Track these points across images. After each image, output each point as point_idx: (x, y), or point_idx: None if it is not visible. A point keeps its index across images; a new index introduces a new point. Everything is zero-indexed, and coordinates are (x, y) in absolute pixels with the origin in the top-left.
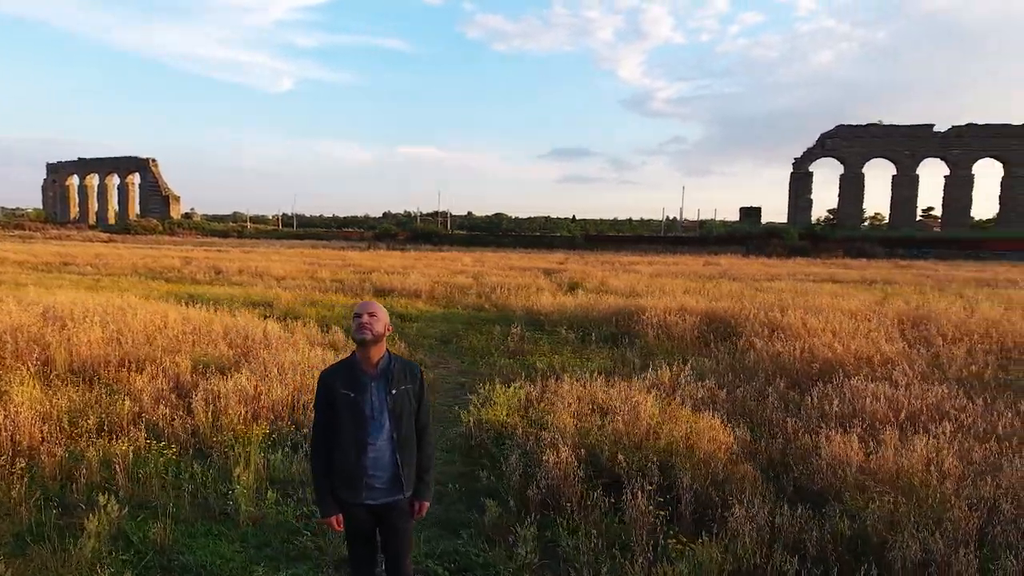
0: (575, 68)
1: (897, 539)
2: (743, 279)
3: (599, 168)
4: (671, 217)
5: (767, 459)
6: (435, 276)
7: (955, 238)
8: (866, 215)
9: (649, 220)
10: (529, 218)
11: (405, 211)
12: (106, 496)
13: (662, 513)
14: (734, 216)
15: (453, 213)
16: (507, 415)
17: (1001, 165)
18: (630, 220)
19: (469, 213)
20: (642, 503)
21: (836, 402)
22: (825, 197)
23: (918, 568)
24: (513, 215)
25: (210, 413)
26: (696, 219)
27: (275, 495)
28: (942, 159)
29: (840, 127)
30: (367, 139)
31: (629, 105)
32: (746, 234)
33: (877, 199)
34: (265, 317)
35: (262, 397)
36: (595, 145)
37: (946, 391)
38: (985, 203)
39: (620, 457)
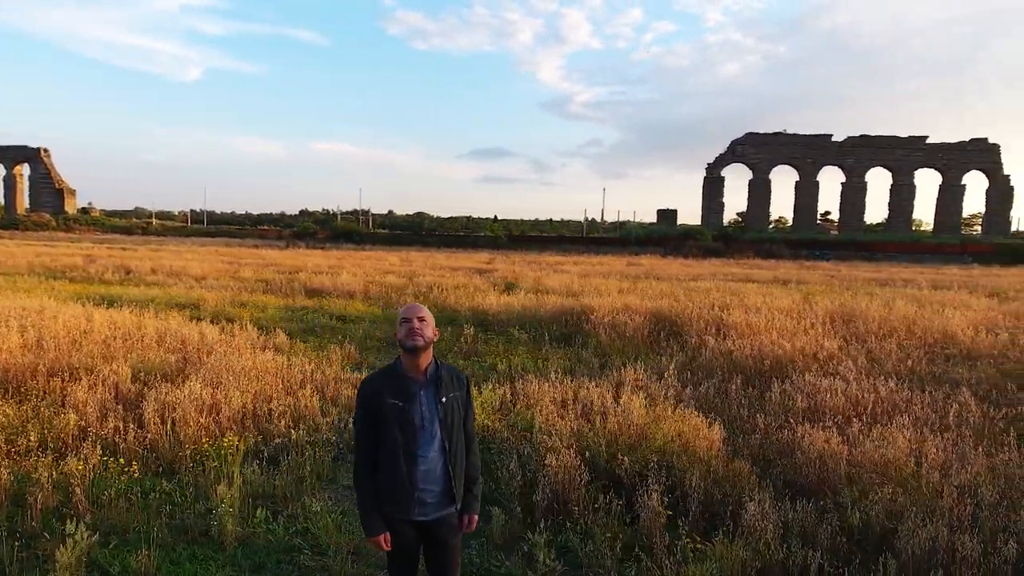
0: (495, 69)
1: (902, 528)
2: (667, 279)
3: (519, 169)
4: (590, 218)
5: (749, 455)
6: (365, 276)
7: (851, 240)
8: (772, 218)
9: (569, 221)
10: (451, 217)
11: (324, 209)
12: (73, 522)
13: (669, 513)
14: (651, 218)
15: (374, 212)
16: (486, 418)
17: (890, 174)
18: (551, 220)
19: (390, 212)
20: (656, 504)
21: (800, 398)
22: (734, 201)
23: (926, 555)
24: (435, 214)
25: (169, 426)
26: (616, 220)
27: (264, 512)
28: (839, 167)
29: (749, 135)
30: (281, 134)
31: (548, 108)
32: (663, 235)
33: (782, 203)
34: (195, 320)
35: (222, 407)
36: (515, 146)
37: (893, 385)
38: (877, 208)
39: (623, 458)
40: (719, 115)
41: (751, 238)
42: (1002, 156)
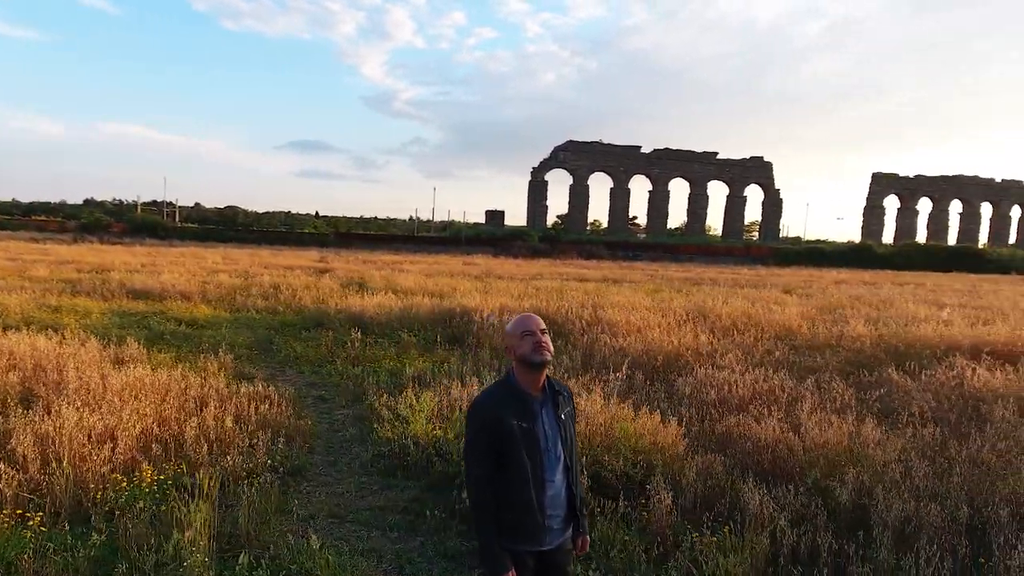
0: (315, 59)
1: (877, 503)
2: (509, 278)
3: (341, 164)
4: (418, 217)
5: (698, 446)
6: (191, 275)
7: (658, 243)
8: (588, 221)
9: (396, 219)
10: (268, 212)
11: (116, 199)
12: None
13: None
14: (478, 218)
15: (179, 203)
16: (432, 426)
17: (688, 184)
18: (376, 219)
19: (197, 204)
20: (668, 501)
21: (712, 391)
22: (555, 203)
23: (900, 524)
24: (249, 208)
25: (66, 462)
26: (444, 220)
27: (247, 558)
28: (647, 176)
29: (570, 142)
30: (60, 111)
31: (372, 103)
32: (492, 236)
33: (596, 207)
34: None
35: (118, 435)
36: (337, 141)
37: (785, 375)
38: (678, 214)
39: (609, 459)
40: (540, 120)
41: (573, 239)
42: (774, 173)
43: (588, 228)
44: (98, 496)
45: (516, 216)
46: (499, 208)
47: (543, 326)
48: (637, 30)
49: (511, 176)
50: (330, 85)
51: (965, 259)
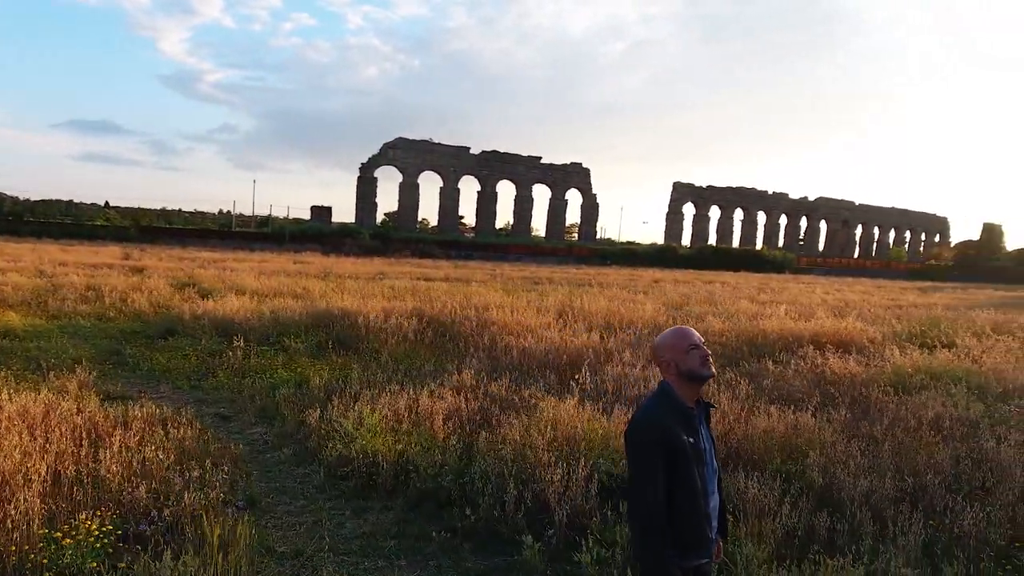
0: (102, 28)
1: (847, 482)
2: (353, 277)
3: (134, 149)
4: (231, 211)
5: None
6: None
7: (488, 243)
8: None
9: (204, 212)
10: (44, 200)
11: None
12: None
13: None
14: (301, 213)
15: None
16: (394, 440)
17: (515, 186)
18: (182, 211)
19: None
20: None
21: (636, 387)
22: (382, 201)
23: (864, 498)
24: (17, 195)
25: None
26: (265, 215)
27: None
28: (476, 177)
29: (400, 139)
30: None
31: (172, 83)
32: (319, 232)
33: (424, 206)
34: None
35: (15, 481)
36: (128, 122)
37: None
38: (504, 215)
39: (608, 462)
40: (363, 115)
41: (405, 238)
42: (591, 178)
43: (417, 227)
44: (27, 566)
45: (342, 213)
46: (325, 204)
47: (702, 339)
48: (458, 33)
49: (333, 171)
50: (120, 59)
51: (749, 260)
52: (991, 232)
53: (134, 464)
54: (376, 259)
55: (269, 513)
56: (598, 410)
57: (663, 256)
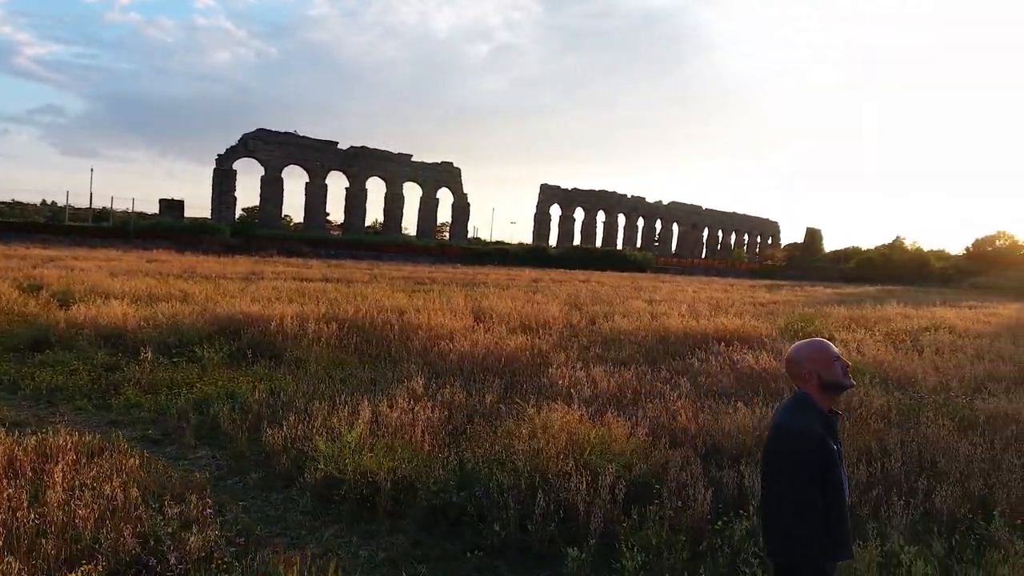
0: None
1: None
2: (224, 277)
3: None
4: (54, 202)
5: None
6: None
7: (359, 241)
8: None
9: (24, 203)
10: None
11: None
12: None
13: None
14: (144, 206)
15: None
16: (387, 458)
17: (385, 183)
18: None
19: None
20: (704, 501)
21: (588, 388)
22: (241, 196)
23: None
24: None
25: None
26: (101, 208)
27: None
28: (344, 173)
29: (261, 131)
30: None
31: None
32: (171, 228)
33: (289, 201)
34: None
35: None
36: None
37: (635, 370)
38: (372, 212)
39: (613, 467)
40: (216, 102)
41: (269, 235)
42: (462, 178)
43: (281, 224)
44: None
45: (196, 208)
46: (176, 197)
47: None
48: (320, 23)
49: (181, 162)
50: None
51: (614, 259)
52: (813, 236)
53: (100, 505)
54: (240, 258)
55: (267, 547)
56: (587, 415)
57: (534, 256)
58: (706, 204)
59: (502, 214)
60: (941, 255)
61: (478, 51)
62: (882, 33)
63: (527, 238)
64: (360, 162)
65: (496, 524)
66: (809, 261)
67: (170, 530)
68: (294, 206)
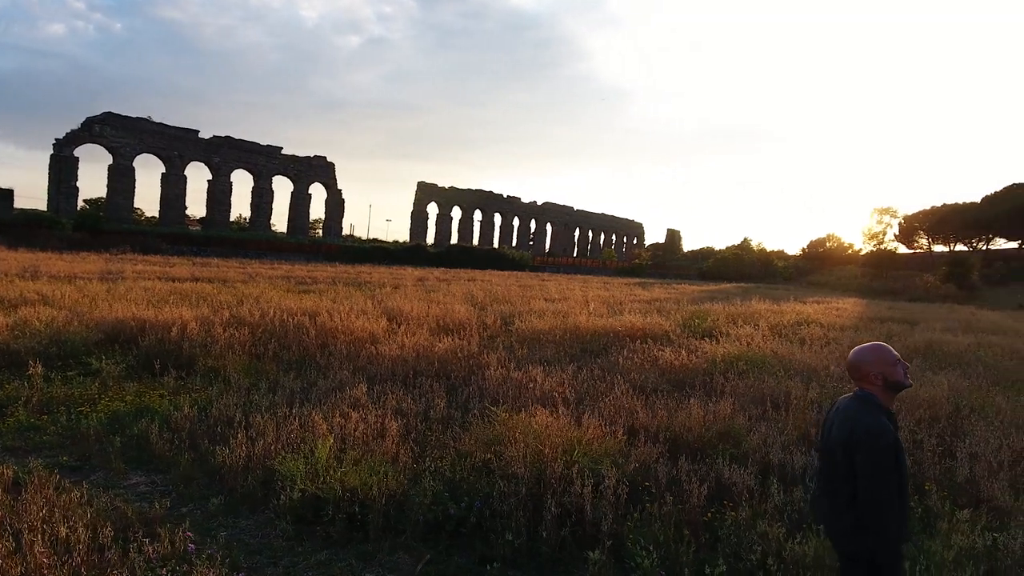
0: None
1: (794, 456)
2: (79, 277)
3: None
4: None
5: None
6: None
7: (224, 237)
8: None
9: None
10: None
11: None
12: None
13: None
14: None
15: None
16: (369, 475)
17: (252, 176)
18: None
19: None
20: (700, 494)
21: (535, 387)
22: (85, 186)
23: (802, 471)
24: None
25: None
26: None
27: None
28: (206, 164)
29: (108, 114)
30: None
31: None
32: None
33: (141, 193)
34: None
35: None
36: None
37: (568, 370)
38: (238, 207)
39: (612, 468)
40: (47, 80)
41: (121, 230)
42: (336, 173)
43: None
44: None
45: (28, 198)
46: (3, 186)
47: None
48: (170, 1)
49: (3, 144)
50: None
51: (494, 258)
52: (673, 236)
53: (59, 552)
54: (87, 255)
55: None
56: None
57: (414, 254)
58: (577, 205)
59: (378, 211)
60: (781, 255)
61: (348, 43)
62: (745, 43)
63: (404, 236)
64: (224, 153)
65: (508, 533)
66: (671, 260)
67: (166, 573)
68: (147, 199)
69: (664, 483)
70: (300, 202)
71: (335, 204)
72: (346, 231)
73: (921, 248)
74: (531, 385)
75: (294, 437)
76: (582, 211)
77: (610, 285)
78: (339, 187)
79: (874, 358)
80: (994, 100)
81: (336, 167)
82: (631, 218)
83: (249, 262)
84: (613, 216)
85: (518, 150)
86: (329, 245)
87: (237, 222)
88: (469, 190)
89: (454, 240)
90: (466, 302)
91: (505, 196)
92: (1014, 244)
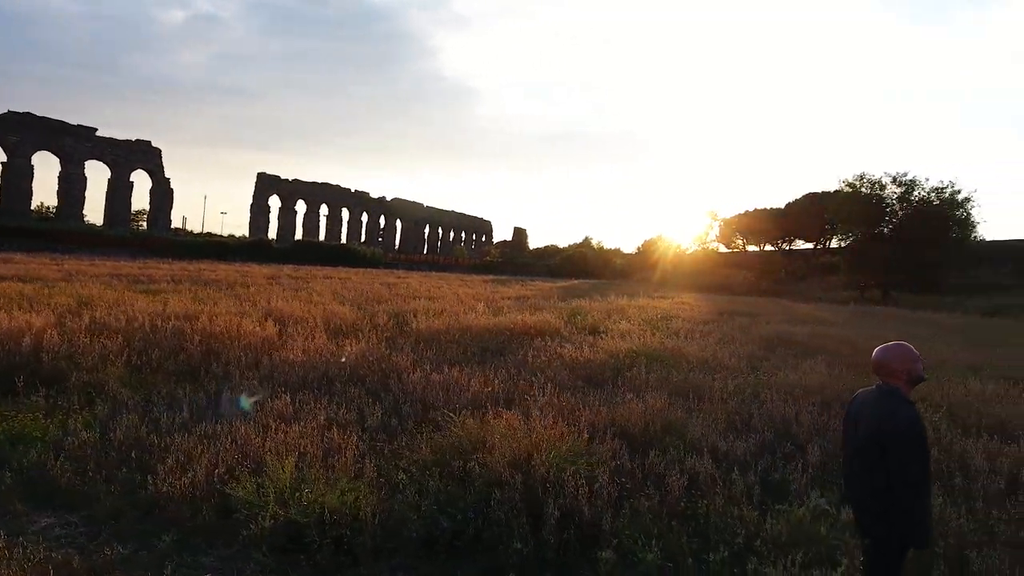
0: None
1: (736, 443)
2: None
3: None
4: None
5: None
6: None
7: (27, 228)
8: None
9: None
10: None
11: None
12: None
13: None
14: None
15: None
16: (344, 493)
17: (60, 160)
18: None
19: None
20: (680, 486)
21: (462, 389)
22: None
23: (750, 458)
24: None
25: None
26: None
27: None
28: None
29: None
30: None
31: None
32: None
33: None
34: None
35: None
36: None
37: (484, 372)
38: (44, 195)
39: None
40: None
41: None
42: (163, 159)
43: None
44: None
45: None
46: None
47: None
48: None
49: None
50: None
51: (346, 255)
52: (520, 234)
53: None
54: None
55: None
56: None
57: (257, 250)
58: (427, 202)
59: (214, 203)
60: (619, 253)
61: (172, 17)
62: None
63: (241, 230)
64: (23, 132)
65: (516, 541)
66: (519, 258)
67: None
68: None
69: (640, 478)
70: (120, 191)
71: (162, 194)
72: (176, 224)
73: (738, 248)
74: (458, 388)
75: (233, 457)
76: (432, 208)
77: (470, 283)
78: (167, 175)
79: (900, 356)
80: (801, 114)
81: (163, 153)
82: (479, 216)
83: (62, 258)
84: (462, 214)
85: (365, 144)
86: (157, 240)
87: (39, 211)
88: (315, 183)
89: (299, 236)
90: (342, 302)
91: (353, 191)
92: (810, 245)
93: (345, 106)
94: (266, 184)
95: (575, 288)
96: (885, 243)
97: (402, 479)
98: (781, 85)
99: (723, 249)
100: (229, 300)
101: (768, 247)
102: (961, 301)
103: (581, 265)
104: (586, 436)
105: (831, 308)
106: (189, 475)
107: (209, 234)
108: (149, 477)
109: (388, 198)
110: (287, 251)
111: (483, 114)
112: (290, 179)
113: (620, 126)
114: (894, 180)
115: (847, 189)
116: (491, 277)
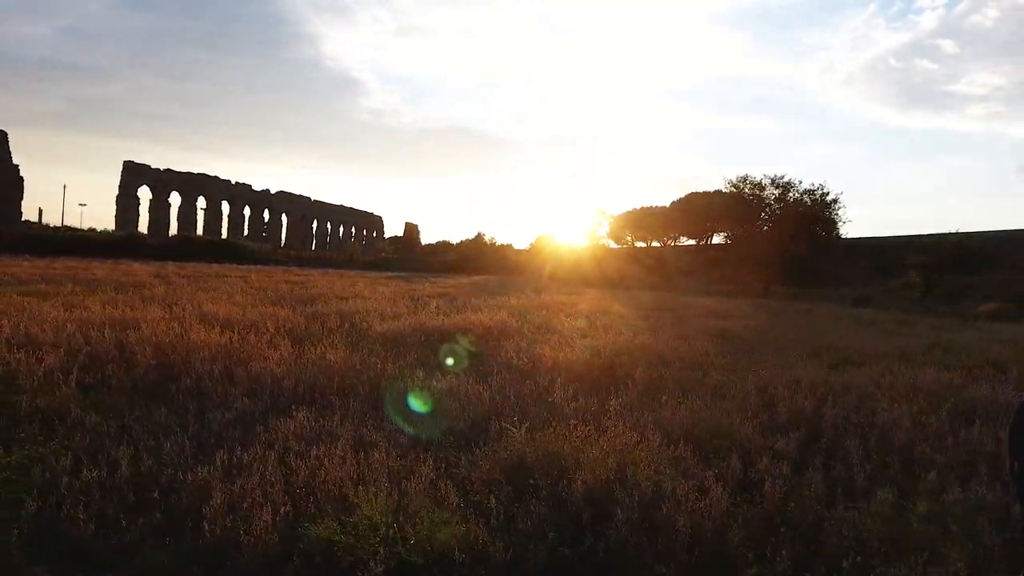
0: None
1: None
2: None
3: None
4: None
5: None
6: None
7: None
8: None
9: None
10: None
11: None
12: None
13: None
14: None
15: None
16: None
17: None
18: None
19: None
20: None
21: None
22: None
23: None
24: None
25: None
26: None
27: None
28: None
29: None
30: None
31: None
32: None
33: None
34: None
35: None
36: None
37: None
38: None
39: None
40: None
41: None
42: (10, 145)
43: None
44: None
45: None
46: None
47: None
48: None
49: None
50: None
51: (232, 251)
52: (412, 230)
53: None
54: None
55: None
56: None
57: (129, 246)
58: (315, 196)
59: (72, 195)
60: (511, 249)
61: None
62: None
63: (104, 224)
64: None
65: (659, 565)
66: (411, 254)
67: None
68: None
69: (732, 484)
70: None
71: (10, 184)
72: (30, 217)
73: (627, 244)
74: (474, 395)
75: (277, 492)
76: (320, 202)
77: (375, 281)
78: (15, 162)
79: None
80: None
81: (8, 136)
82: (370, 211)
83: None
84: (352, 208)
85: (241, 133)
86: (9, 234)
87: None
88: (190, 173)
89: (173, 230)
90: (274, 304)
91: (233, 183)
92: (693, 241)
93: (216, 92)
94: (134, 174)
95: (482, 284)
96: (764, 240)
97: (493, 504)
98: (654, 85)
99: (613, 245)
100: (150, 304)
101: (655, 243)
102: (830, 294)
103: (478, 261)
104: (657, 442)
105: (726, 301)
106: (257, 517)
107: (69, 228)
108: (189, 522)
109: (272, 191)
110: (165, 247)
111: (368, 107)
112: (162, 168)
113: (502, 125)
114: (772, 182)
115: (732, 189)
116: (390, 274)
